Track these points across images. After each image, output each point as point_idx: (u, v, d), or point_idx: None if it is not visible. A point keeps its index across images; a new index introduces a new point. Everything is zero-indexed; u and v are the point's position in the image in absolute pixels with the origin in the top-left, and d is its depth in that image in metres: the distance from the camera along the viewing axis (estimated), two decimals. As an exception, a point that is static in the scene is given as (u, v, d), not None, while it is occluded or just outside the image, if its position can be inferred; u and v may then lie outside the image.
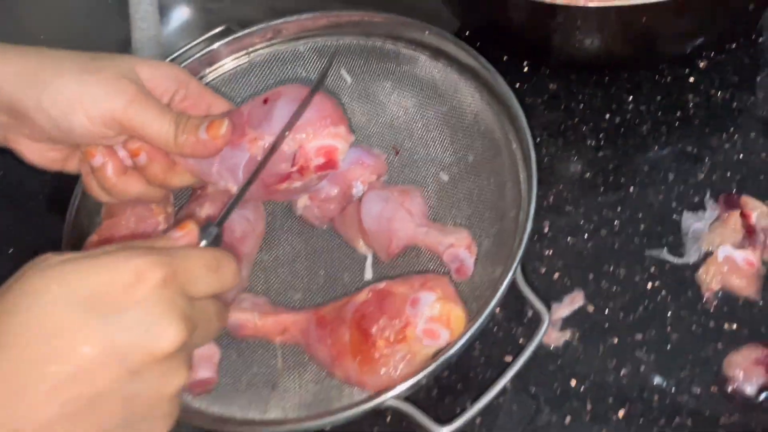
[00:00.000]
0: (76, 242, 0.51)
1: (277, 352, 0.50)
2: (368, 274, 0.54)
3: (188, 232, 0.36)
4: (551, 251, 0.54)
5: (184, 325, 0.30)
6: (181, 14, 1.15)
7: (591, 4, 0.50)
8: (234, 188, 0.47)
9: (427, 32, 0.55)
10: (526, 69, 0.64)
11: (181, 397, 0.32)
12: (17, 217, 0.62)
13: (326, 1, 1.00)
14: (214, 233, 0.38)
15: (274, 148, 0.45)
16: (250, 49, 0.59)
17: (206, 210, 0.52)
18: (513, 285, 0.45)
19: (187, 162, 0.47)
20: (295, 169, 0.46)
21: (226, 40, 0.58)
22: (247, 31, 0.58)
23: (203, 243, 0.38)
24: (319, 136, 0.46)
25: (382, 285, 0.47)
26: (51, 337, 0.28)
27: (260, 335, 0.50)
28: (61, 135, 0.43)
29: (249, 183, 0.43)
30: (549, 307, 0.51)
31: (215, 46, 0.58)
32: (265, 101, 0.47)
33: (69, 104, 0.41)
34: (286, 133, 0.45)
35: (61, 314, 0.28)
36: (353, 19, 0.58)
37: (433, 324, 0.44)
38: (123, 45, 1.03)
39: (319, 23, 0.58)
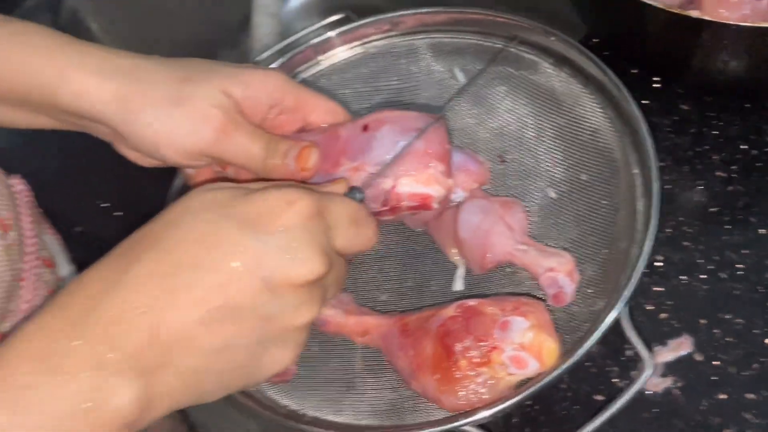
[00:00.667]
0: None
1: (358, 352, 0.49)
2: (458, 286, 0.52)
3: (338, 185, 0.39)
4: (661, 288, 0.49)
5: (324, 260, 0.32)
6: (302, -7, 1.17)
7: (744, 23, 0.45)
8: None
9: (552, 38, 0.51)
10: (656, 85, 0.59)
11: (309, 331, 0.34)
12: (125, 185, 0.65)
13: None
14: (360, 198, 0.39)
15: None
16: (365, 40, 0.58)
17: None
18: (616, 323, 0.42)
19: None
20: (386, 209, 0.45)
21: (343, 29, 0.57)
22: (363, 21, 0.57)
23: None
24: (415, 178, 0.44)
25: (472, 302, 0.44)
26: (208, 248, 0.30)
27: (343, 333, 0.49)
28: (155, 158, 0.44)
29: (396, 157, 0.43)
30: (651, 349, 0.47)
31: (331, 34, 0.57)
32: (365, 128, 0.45)
33: (157, 139, 0.42)
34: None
35: (218, 229, 0.31)
36: (474, 17, 0.55)
37: (523, 352, 0.42)
38: (243, 22, 1.05)
39: (437, 19, 0.56)
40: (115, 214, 0.64)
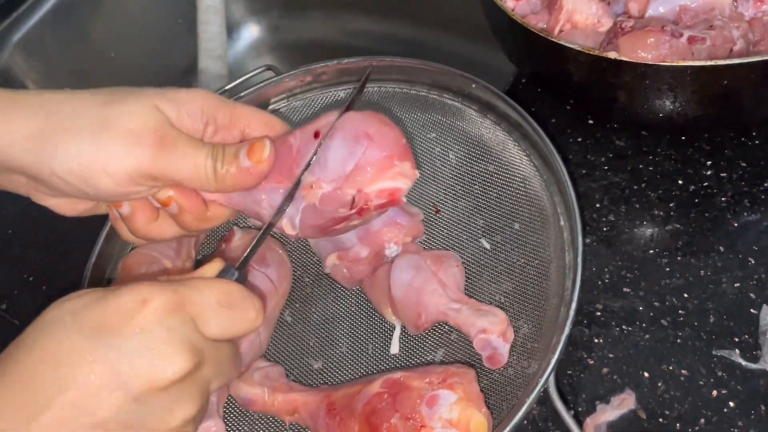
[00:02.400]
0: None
1: (287, 432, 0.47)
2: (394, 349, 0.49)
3: (210, 266, 0.35)
4: (601, 340, 0.47)
5: (189, 355, 0.30)
6: (249, 33, 1.15)
7: (664, 63, 0.43)
8: (290, 229, 0.42)
9: (473, 85, 0.50)
10: (591, 121, 0.57)
11: (195, 426, 0.32)
12: (50, 255, 0.62)
13: (397, 21, 0.97)
14: (234, 276, 0.35)
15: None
16: (289, 93, 0.56)
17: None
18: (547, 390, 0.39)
19: (230, 199, 0.42)
20: (353, 212, 0.41)
21: (265, 83, 0.55)
22: (284, 75, 0.55)
23: None
24: (380, 179, 0.40)
25: (397, 375, 0.42)
26: (59, 365, 0.29)
27: (270, 412, 0.46)
28: (86, 196, 0.39)
29: (270, 226, 0.40)
30: (594, 408, 0.45)
31: (254, 88, 0.55)
32: (316, 134, 0.41)
33: (87, 169, 0.37)
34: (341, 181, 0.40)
35: (70, 343, 0.29)
36: (396, 65, 0.53)
37: (451, 429, 0.39)
38: (190, 64, 1.03)
39: (361, 66, 0.54)
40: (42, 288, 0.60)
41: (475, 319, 0.45)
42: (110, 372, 0.29)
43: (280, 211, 0.40)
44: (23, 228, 0.64)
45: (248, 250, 0.38)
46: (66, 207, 0.42)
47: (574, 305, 0.40)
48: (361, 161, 0.40)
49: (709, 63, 0.42)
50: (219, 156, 0.39)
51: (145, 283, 0.31)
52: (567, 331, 0.39)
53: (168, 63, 1.05)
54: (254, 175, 0.39)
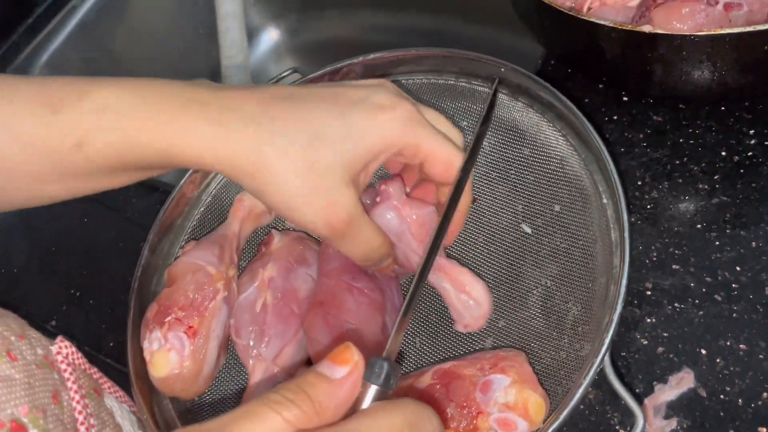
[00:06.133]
0: (143, 301, 0.50)
1: None
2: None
3: (351, 372, 0.25)
4: (654, 319, 0.46)
5: None
6: (269, 37, 1.16)
7: (700, 33, 0.42)
8: None
9: (502, 69, 0.49)
10: (626, 98, 0.56)
11: None
12: (93, 270, 0.62)
13: (416, 13, 0.97)
14: (384, 371, 0.26)
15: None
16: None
17: (269, 272, 0.49)
18: (603, 371, 0.39)
19: None
20: None
21: (292, 83, 0.55)
22: (311, 76, 0.54)
23: (372, 390, 0.26)
24: None
25: (447, 365, 0.41)
26: None
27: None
28: None
29: (408, 309, 0.33)
30: (652, 389, 0.44)
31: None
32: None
33: (282, 212, 0.39)
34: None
35: None
36: (422, 56, 0.53)
37: (509, 413, 0.39)
38: (214, 71, 1.04)
39: (386, 61, 0.54)
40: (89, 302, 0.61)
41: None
42: None
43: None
44: (66, 245, 0.65)
45: (392, 335, 0.30)
46: None
47: (624, 282, 0.39)
48: None
49: (748, 29, 0.41)
50: (385, 257, 0.42)
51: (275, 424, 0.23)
52: (619, 308, 0.38)
53: (192, 72, 1.06)
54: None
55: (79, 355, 0.40)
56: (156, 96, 0.37)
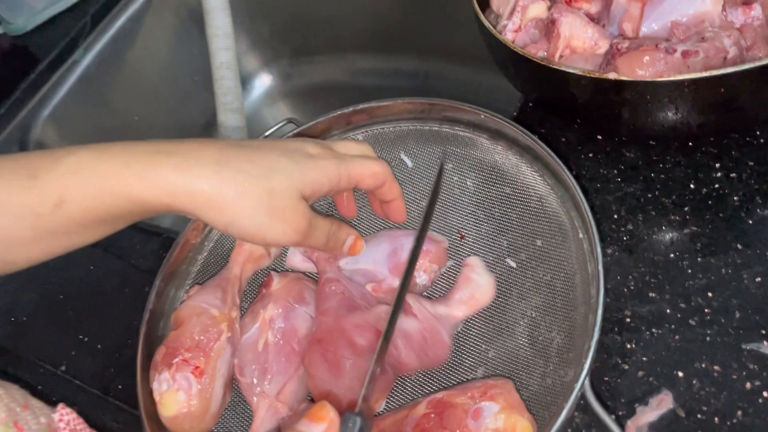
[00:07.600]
0: (151, 344, 0.52)
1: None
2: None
3: (327, 429, 0.29)
4: (633, 345, 0.49)
5: None
6: (263, 82, 1.20)
7: (661, 79, 0.46)
8: None
9: (483, 115, 0.53)
10: (599, 136, 0.60)
11: None
12: (100, 315, 0.65)
13: (402, 56, 1.01)
14: (357, 425, 0.30)
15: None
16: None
17: (270, 312, 0.52)
18: (584, 395, 0.41)
19: None
20: None
21: (286, 137, 0.59)
22: (305, 126, 0.58)
23: None
24: None
25: (440, 395, 0.44)
26: None
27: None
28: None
29: (377, 360, 0.40)
30: (635, 411, 0.46)
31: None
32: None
33: (250, 236, 0.44)
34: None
35: None
36: (408, 107, 0.56)
37: (498, 439, 0.41)
38: (210, 118, 1.08)
39: (375, 112, 0.57)
40: (98, 347, 0.63)
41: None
42: None
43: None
44: (73, 293, 0.68)
45: (365, 387, 0.34)
46: None
47: (600, 311, 0.42)
48: None
49: (704, 74, 0.45)
50: (335, 242, 0.50)
51: None
52: (596, 336, 0.41)
53: (188, 119, 1.09)
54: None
55: (80, 420, 0.43)
56: (125, 152, 0.41)
